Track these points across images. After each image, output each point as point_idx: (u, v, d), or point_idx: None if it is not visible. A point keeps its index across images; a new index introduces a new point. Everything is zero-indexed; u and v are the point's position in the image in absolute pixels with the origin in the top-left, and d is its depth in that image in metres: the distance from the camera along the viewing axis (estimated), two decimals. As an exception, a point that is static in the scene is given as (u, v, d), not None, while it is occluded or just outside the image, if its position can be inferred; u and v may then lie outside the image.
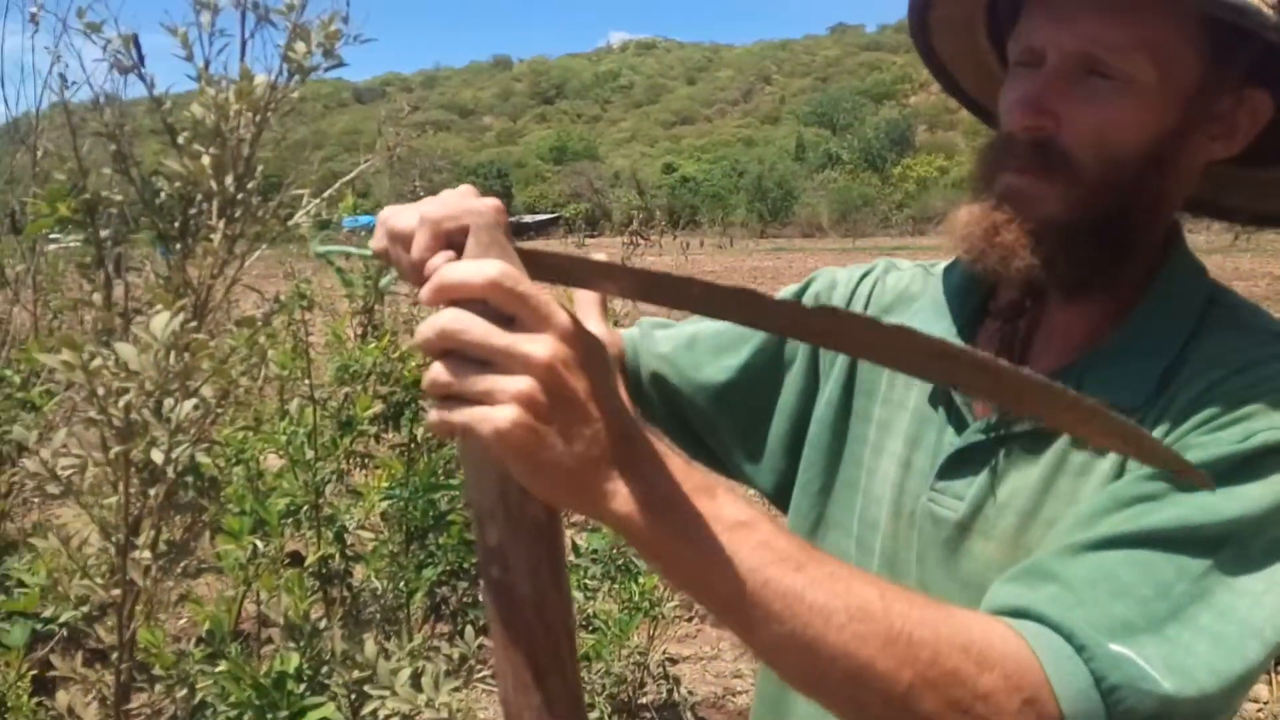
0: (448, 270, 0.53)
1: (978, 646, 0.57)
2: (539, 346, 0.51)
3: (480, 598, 0.56)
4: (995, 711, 0.56)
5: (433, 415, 0.54)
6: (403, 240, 0.59)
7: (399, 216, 0.60)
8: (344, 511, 2.19)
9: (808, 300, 0.97)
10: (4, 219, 2.33)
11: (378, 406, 2.36)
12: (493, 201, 0.58)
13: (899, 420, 0.85)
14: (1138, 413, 0.69)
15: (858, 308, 0.93)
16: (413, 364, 2.58)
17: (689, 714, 3.31)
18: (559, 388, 0.52)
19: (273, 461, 2.51)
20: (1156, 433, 0.67)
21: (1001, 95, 0.77)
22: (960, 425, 0.80)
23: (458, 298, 0.52)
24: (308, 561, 2.11)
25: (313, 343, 2.36)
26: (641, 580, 3.00)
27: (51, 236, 1.50)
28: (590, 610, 3.04)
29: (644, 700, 3.34)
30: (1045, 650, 0.59)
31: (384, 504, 2.37)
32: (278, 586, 2.03)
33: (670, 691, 3.22)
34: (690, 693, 3.43)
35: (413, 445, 2.40)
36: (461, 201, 0.58)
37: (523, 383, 0.51)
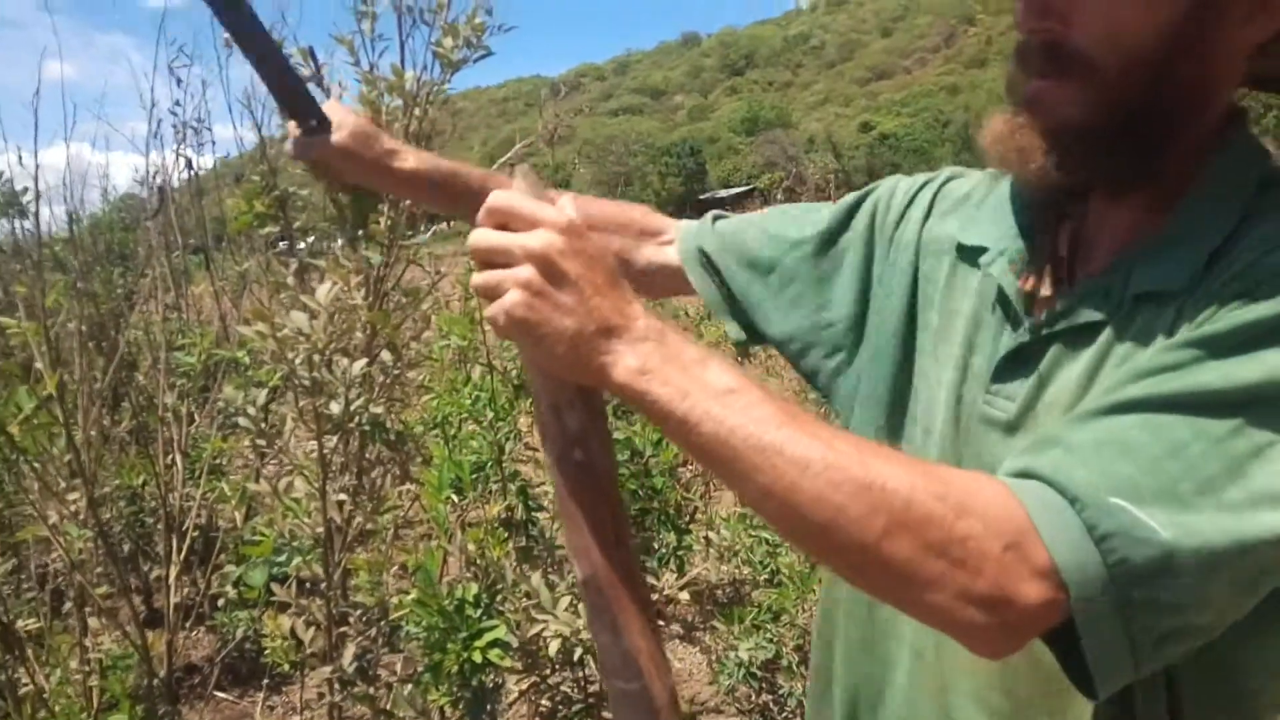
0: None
1: (956, 496, 0.58)
2: (532, 239, 0.64)
3: (566, 499, 0.64)
4: (975, 555, 0.57)
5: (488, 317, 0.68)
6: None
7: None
8: (524, 469, 2.38)
9: (867, 205, 1.00)
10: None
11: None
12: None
13: (955, 326, 0.86)
14: (1180, 298, 0.67)
15: (917, 213, 0.95)
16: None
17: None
18: (553, 271, 0.64)
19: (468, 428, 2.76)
20: (1199, 314, 0.65)
21: None
22: (1017, 325, 0.80)
23: (479, 225, 0.68)
24: (494, 512, 2.32)
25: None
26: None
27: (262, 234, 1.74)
28: (774, 566, 3.10)
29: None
30: (1034, 500, 0.58)
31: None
32: (482, 540, 2.26)
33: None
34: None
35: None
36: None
37: (523, 270, 0.64)
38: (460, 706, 1.54)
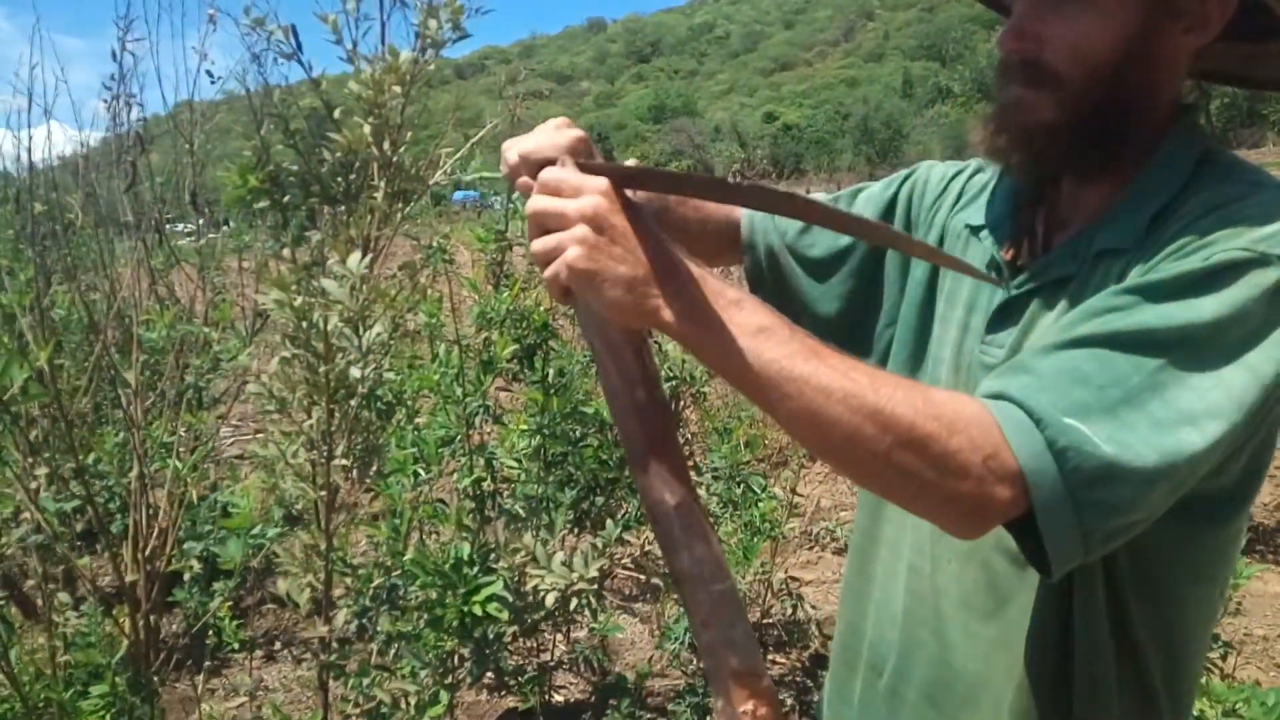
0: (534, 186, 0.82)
1: (948, 417, 0.71)
2: (582, 201, 0.76)
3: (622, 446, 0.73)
4: (963, 465, 0.70)
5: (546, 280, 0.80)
6: (510, 169, 0.89)
7: (511, 151, 0.90)
8: (498, 443, 2.46)
9: (907, 186, 1.15)
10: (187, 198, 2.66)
11: (513, 348, 2.61)
12: (575, 133, 0.88)
13: (961, 291, 1.02)
14: (1129, 253, 0.83)
15: (949, 200, 1.10)
16: (541, 309, 2.82)
17: (814, 628, 3.50)
18: (603, 226, 0.75)
19: (425, 403, 2.81)
20: (1140, 266, 0.80)
21: None
22: (1006, 285, 0.96)
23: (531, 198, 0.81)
24: (464, 484, 2.39)
25: (454, 295, 2.62)
26: (761, 504, 3.19)
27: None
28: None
29: (770, 621, 3.55)
30: (1006, 420, 0.72)
31: (523, 440, 2.63)
32: (437, 512, 2.33)
33: (795, 608, 3.41)
34: (814, 607, 3.62)
35: (546, 381, 2.64)
36: (551, 136, 0.88)
37: (578, 229, 0.76)
38: (465, 656, 1.63)
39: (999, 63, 0.92)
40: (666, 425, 0.82)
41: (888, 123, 72.75)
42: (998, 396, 0.74)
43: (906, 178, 1.16)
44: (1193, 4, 0.84)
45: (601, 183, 0.77)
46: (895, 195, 1.16)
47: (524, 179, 0.87)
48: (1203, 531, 0.85)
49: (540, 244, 0.78)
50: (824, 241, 1.16)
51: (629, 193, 0.80)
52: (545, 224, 0.78)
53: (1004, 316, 0.94)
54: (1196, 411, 0.72)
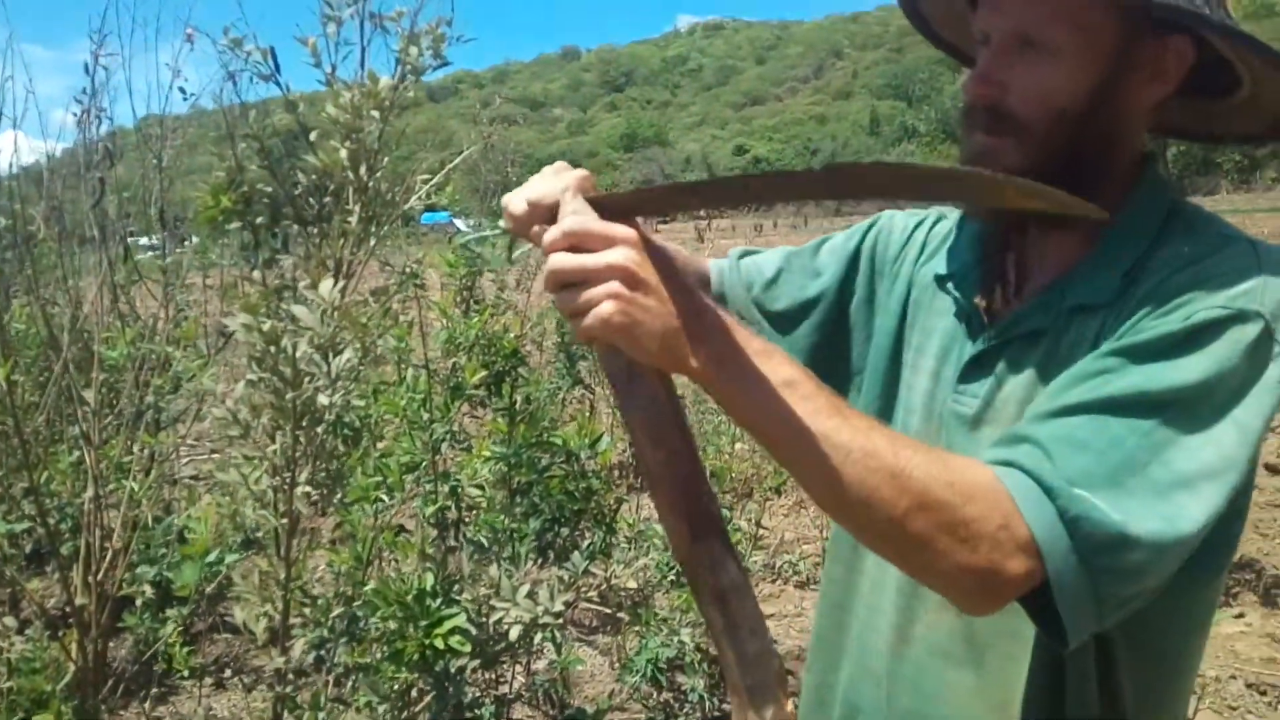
0: (545, 238, 0.78)
1: (964, 484, 0.72)
2: (614, 255, 0.74)
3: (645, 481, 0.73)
4: (977, 534, 0.70)
5: (576, 328, 0.77)
6: (518, 221, 0.85)
7: (514, 203, 0.85)
8: (459, 470, 2.43)
9: (870, 237, 1.16)
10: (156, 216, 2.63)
11: (482, 374, 2.59)
12: (577, 173, 0.83)
13: (931, 342, 1.03)
14: (1104, 310, 0.84)
15: (913, 251, 1.12)
16: (510, 336, 2.81)
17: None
18: (635, 280, 0.74)
19: (388, 430, 2.78)
20: (1120, 323, 0.81)
21: None
22: (977, 336, 0.97)
23: (555, 250, 0.76)
24: (428, 512, 2.36)
25: (422, 319, 2.61)
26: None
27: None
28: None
29: (732, 654, 3.53)
30: (1017, 489, 0.72)
31: (486, 468, 2.61)
32: (399, 541, 2.29)
33: (757, 642, 3.40)
34: (775, 642, 3.60)
35: (513, 409, 2.62)
36: (553, 181, 0.83)
37: (611, 284, 0.73)
38: (424, 690, 1.60)
39: (964, 109, 0.93)
40: (694, 451, 0.81)
41: (855, 159, 73.93)
42: (1003, 464, 0.74)
43: (870, 227, 1.18)
44: (1151, 55, 0.86)
45: (630, 233, 0.75)
46: (859, 245, 1.17)
47: (536, 229, 0.82)
48: (1194, 583, 0.86)
49: (568, 299, 0.75)
50: (788, 294, 1.18)
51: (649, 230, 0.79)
52: (573, 279, 0.75)
53: (977, 368, 0.95)
54: (1193, 473, 0.73)
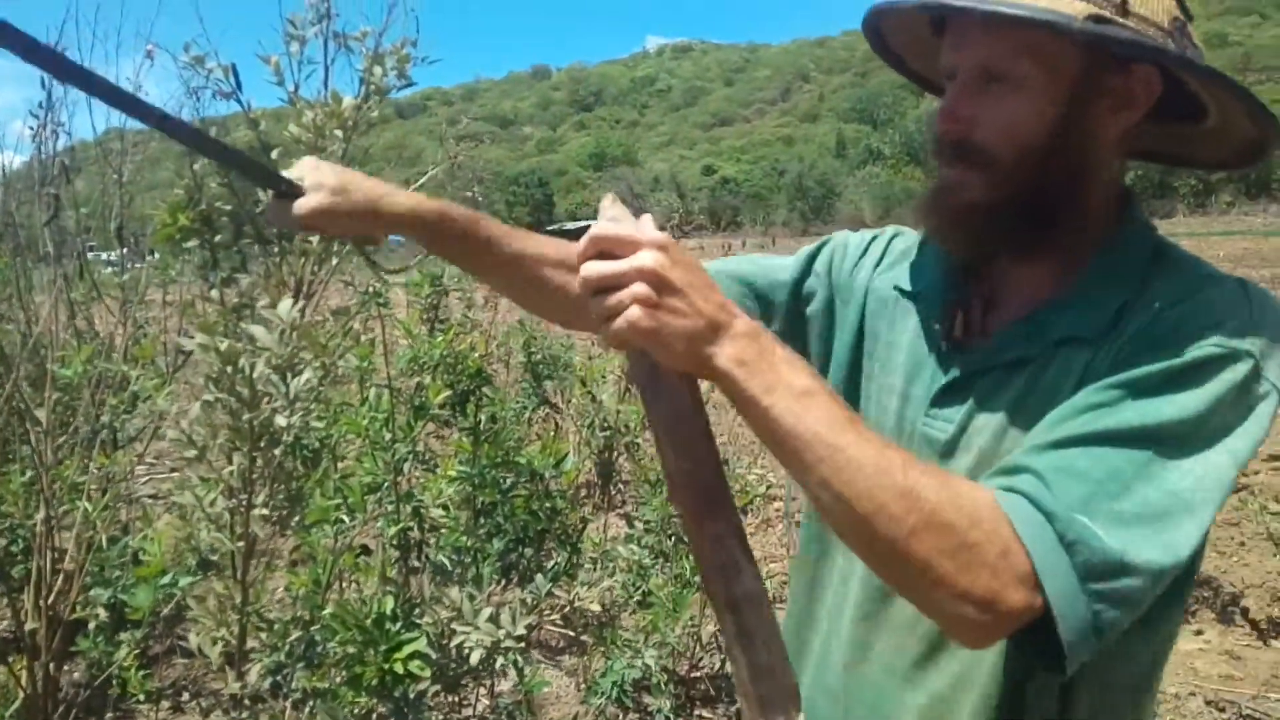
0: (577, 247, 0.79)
1: (969, 508, 0.72)
2: (640, 259, 0.75)
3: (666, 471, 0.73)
4: (977, 559, 0.71)
5: (605, 334, 0.78)
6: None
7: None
8: (422, 490, 2.41)
9: (825, 251, 1.17)
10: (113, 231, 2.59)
11: (446, 394, 2.58)
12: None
13: (895, 357, 1.03)
14: (1094, 344, 0.85)
15: (869, 262, 1.12)
16: (475, 356, 2.80)
17: (741, 683, 3.47)
18: (661, 283, 0.75)
19: (350, 449, 2.75)
20: (1116, 357, 0.83)
21: None
22: (950, 360, 0.97)
23: (585, 258, 0.78)
24: (390, 533, 2.33)
25: (386, 338, 2.59)
26: (691, 558, 3.18)
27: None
28: (645, 588, 3.23)
29: (698, 674, 3.52)
30: (1018, 515, 0.73)
31: (452, 488, 2.59)
32: (359, 564, 2.27)
33: (724, 662, 3.39)
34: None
35: (478, 429, 2.61)
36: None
37: (637, 288, 0.74)
38: (384, 715, 1.58)
39: (933, 143, 0.94)
40: (717, 460, 0.81)
41: (821, 181, 74.73)
42: (1005, 491, 0.75)
43: (824, 244, 1.19)
44: (1117, 82, 0.87)
45: (658, 236, 0.77)
46: (815, 253, 1.17)
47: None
48: (1164, 607, 0.86)
49: (600, 304, 0.76)
50: (750, 301, 1.17)
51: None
52: (603, 285, 0.76)
53: (952, 392, 0.95)
54: (1186, 502, 0.74)
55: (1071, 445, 0.77)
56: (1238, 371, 0.78)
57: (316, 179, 1.05)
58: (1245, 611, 3.98)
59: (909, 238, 1.13)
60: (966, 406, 0.94)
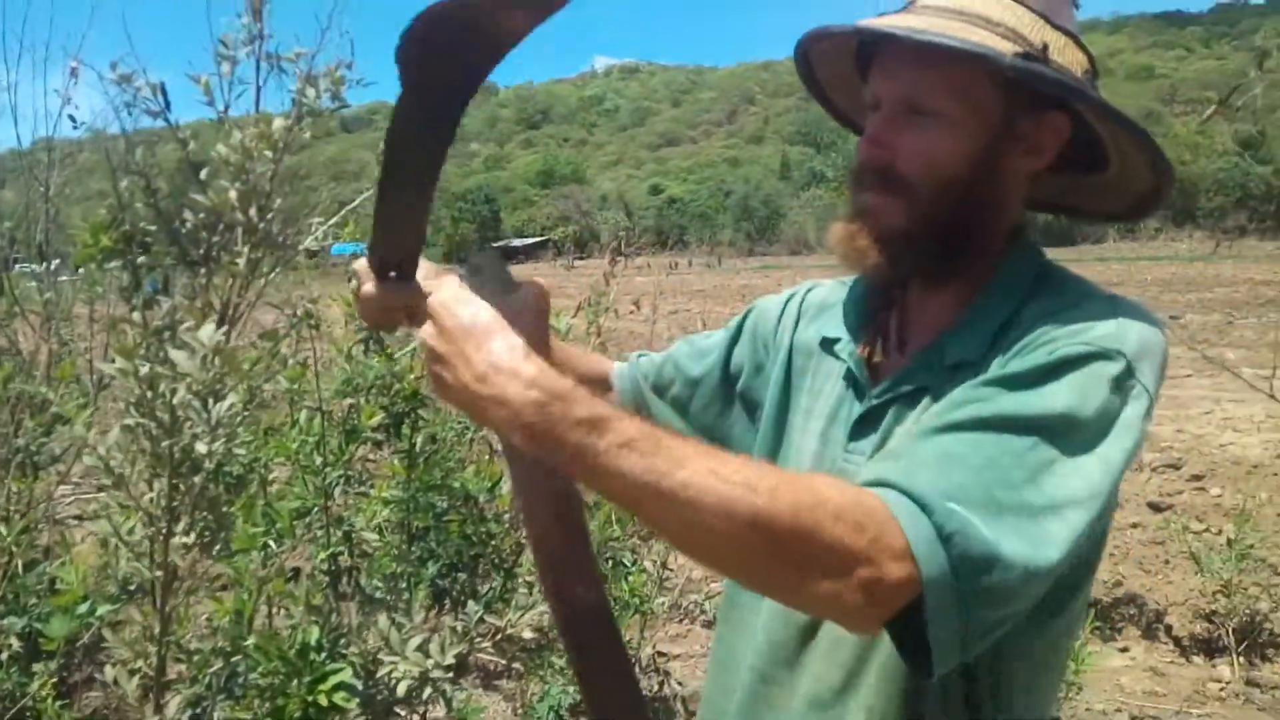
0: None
1: (830, 506, 0.70)
2: (421, 331, 0.80)
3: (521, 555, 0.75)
4: (849, 550, 0.69)
5: None
6: None
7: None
8: (353, 514, 2.37)
9: (750, 319, 1.22)
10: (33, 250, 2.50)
11: (380, 416, 2.54)
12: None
13: (819, 407, 1.06)
14: (977, 366, 0.88)
15: (789, 321, 1.16)
16: (411, 377, 2.76)
17: (679, 705, 3.48)
18: (431, 352, 0.79)
19: (280, 472, 2.69)
20: (990, 368, 0.86)
21: None
22: (864, 394, 1.01)
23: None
24: (319, 558, 2.29)
25: (318, 359, 2.55)
26: (631, 579, 3.18)
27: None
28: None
29: (637, 697, 3.51)
30: (895, 505, 0.72)
31: (385, 511, 2.55)
32: (287, 591, 2.21)
33: (661, 684, 3.39)
34: (680, 684, 3.61)
35: (413, 452, 2.58)
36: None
37: (424, 348, 0.79)
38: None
39: (855, 168, 0.97)
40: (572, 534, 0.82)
41: (766, 202, 75.66)
42: (877, 483, 0.74)
43: (747, 314, 1.24)
44: (1029, 129, 0.92)
45: (434, 308, 0.80)
46: (741, 324, 1.23)
47: None
48: (1046, 620, 0.89)
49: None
50: (681, 377, 1.24)
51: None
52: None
53: (864, 425, 0.98)
54: (1062, 500, 0.75)
55: (947, 432, 0.79)
56: (1109, 369, 0.81)
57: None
58: (1169, 629, 4.10)
59: (824, 288, 1.17)
60: (876, 437, 0.97)
